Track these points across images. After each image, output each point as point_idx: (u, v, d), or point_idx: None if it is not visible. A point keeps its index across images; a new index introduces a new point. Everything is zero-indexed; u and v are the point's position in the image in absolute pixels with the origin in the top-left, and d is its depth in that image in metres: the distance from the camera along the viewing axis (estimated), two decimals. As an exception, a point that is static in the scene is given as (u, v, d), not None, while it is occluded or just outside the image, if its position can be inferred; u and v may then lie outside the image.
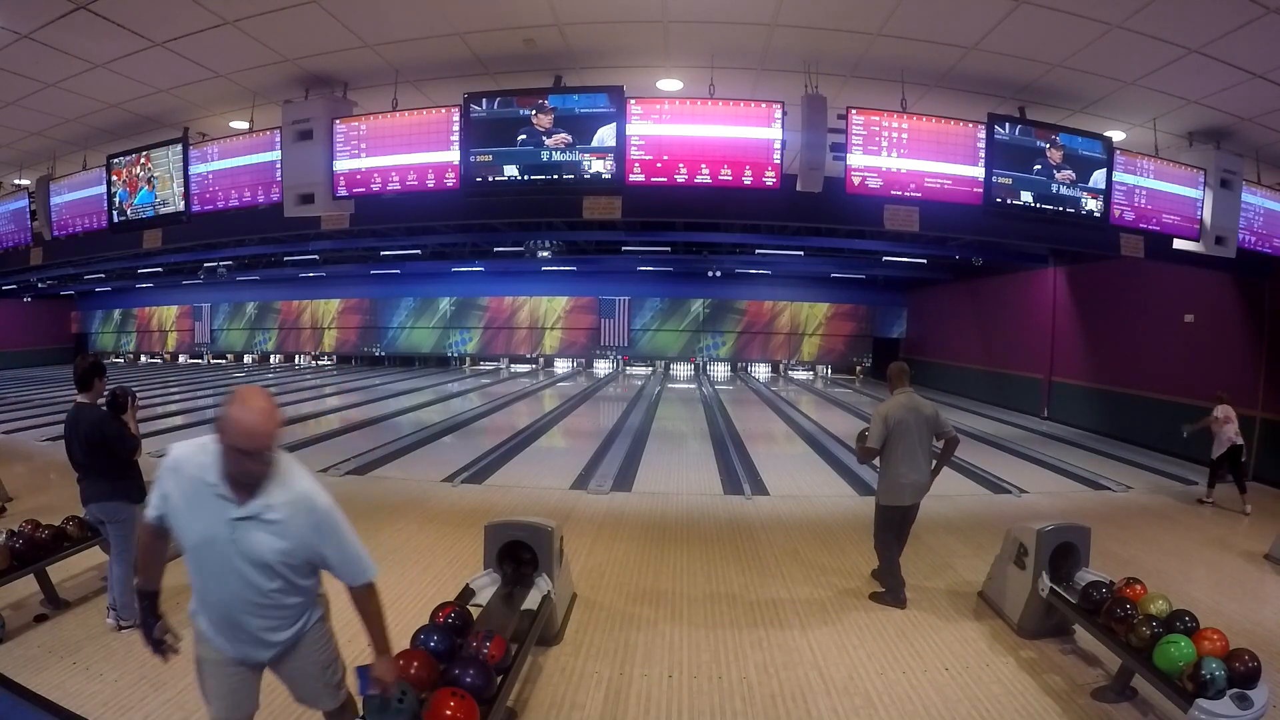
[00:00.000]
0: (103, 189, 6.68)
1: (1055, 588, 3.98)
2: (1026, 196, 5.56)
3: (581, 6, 4.54)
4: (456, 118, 5.33)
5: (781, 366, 23.96)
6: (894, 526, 4.65)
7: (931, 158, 5.40)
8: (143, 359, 27.91)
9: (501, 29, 4.85)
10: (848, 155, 5.29)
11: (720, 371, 23.73)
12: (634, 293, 23.70)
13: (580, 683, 3.55)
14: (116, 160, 6.54)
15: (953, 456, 4.80)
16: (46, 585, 4.23)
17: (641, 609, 4.46)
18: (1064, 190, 5.66)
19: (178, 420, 12.49)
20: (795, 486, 7.85)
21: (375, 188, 5.56)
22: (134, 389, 4.37)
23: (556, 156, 5.23)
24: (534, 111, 5.18)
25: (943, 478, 4.83)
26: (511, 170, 5.28)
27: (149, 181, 6.37)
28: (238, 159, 5.99)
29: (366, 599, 2.15)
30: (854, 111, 5.28)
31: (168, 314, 27.79)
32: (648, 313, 24.08)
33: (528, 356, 24.63)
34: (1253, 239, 6.71)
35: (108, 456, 3.91)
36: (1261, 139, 6.22)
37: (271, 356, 26.66)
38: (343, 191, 5.62)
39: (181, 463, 2.00)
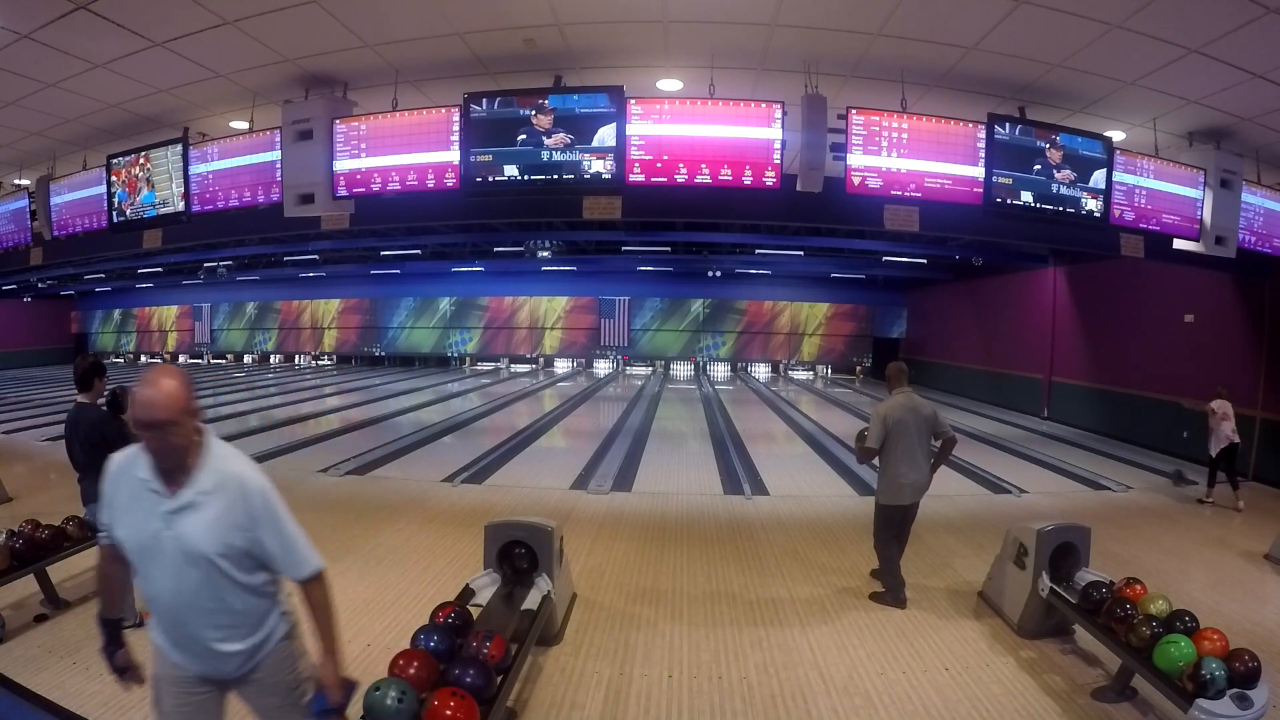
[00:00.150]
0: (103, 189, 6.68)
1: (1055, 588, 3.98)
2: (1026, 196, 5.56)
3: (581, 6, 4.54)
4: (456, 118, 5.33)
5: (781, 366, 23.96)
6: (894, 526, 4.66)
7: (931, 158, 5.40)
8: (143, 359, 27.91)
9: (501, 29, 4.86)
10: (848, 155, 5.30)
11: (720, 371, 23.73)
12: (634, 293, 23.70)
13: (580, 683, 3.55)
14: (116, 160, 6.54)
15: (949, 457, 4.82)
16: (46, 585, 4.23)
17: (641, 609, 4.46)
18: (1064, 190, 5.66)
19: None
20: (795, 486, 7.85)
21: (375, 188, 5.56)
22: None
23: (556, 156, 5.23)
24: (534, 111, 5.18)
25: (943, 478, 4.85)
26: (511, 170, 5.28)
27: (149, 181, 6.37)
28: (238, 159, 5.99)
29: (314, 593, 2.02)
30: (854, 111, 5.28)
31: (168, 314, 27.84)
32: (648, 313, 24.08)
33: (528, 356, 24.62)
34: (1253, 239, 6.71)
35: (108, 456, 3.90)
36: (1261, 139, 6.22)
37: (271, 356, 26.68)
38: (343, 191, 5.62)
39: (120, 466, 1.98)
